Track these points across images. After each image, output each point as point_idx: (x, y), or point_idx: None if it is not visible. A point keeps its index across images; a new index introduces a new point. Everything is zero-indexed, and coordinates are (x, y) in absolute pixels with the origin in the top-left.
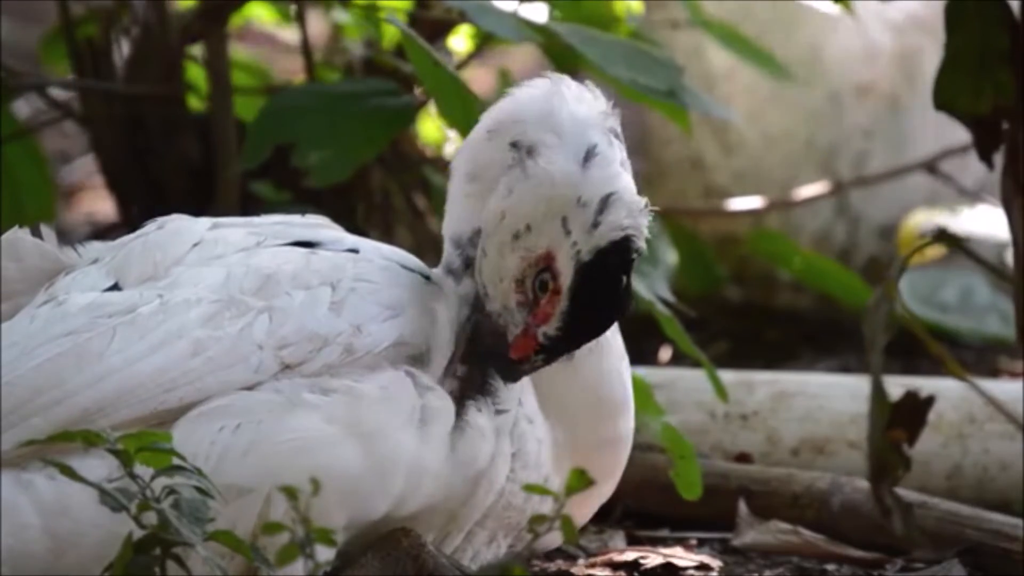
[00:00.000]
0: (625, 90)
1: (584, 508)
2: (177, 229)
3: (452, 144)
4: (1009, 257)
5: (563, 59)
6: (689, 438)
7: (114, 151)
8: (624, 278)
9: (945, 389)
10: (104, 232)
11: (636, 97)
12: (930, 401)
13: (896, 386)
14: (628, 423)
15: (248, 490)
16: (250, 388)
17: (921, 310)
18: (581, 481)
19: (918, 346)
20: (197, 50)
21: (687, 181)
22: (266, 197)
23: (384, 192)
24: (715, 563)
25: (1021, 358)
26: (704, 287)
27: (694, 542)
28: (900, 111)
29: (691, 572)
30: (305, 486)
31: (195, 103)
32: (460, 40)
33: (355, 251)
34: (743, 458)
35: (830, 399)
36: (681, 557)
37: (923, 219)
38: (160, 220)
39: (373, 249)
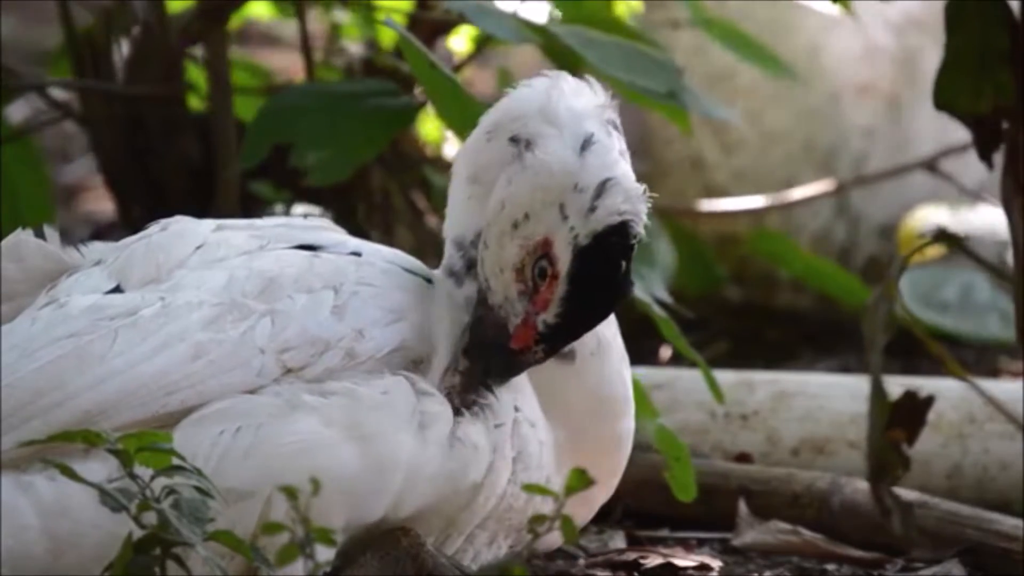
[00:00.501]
0: (625, 92)
1: (585, 508)
2: (180, 231)
3: (452, 144)
4: (1009, 257)
5: (563, 60)
6: (689, 438)
7: (114, 151)
8: (623, 264)
9: (945, 389)
10: (104, 232)
11: (636, 99)
12: (930, 401)
13: (896, 386)
14: (629, 424)
15: (249, 493)
16: (252, 392)
17: (921, 310)
18: (581, 481)
19: (918, 346)
20: (197, 50)
21: (687, 181)
22: (266, 197)
23: (384, 192)
24: (715, 563)
25: (1021, 358)
26: (704, 287)
27: (694, 542)
28: (900, 111)
29: (691, 572)
30: (305, 487)
31: (195, 103)
32: (460, 41)
33: (357, 254)
34: (743, 458)
35: (830, 399)
36: (681, 557)
37: (923, 218)
38: (163, 222)
39: (375, 252)
